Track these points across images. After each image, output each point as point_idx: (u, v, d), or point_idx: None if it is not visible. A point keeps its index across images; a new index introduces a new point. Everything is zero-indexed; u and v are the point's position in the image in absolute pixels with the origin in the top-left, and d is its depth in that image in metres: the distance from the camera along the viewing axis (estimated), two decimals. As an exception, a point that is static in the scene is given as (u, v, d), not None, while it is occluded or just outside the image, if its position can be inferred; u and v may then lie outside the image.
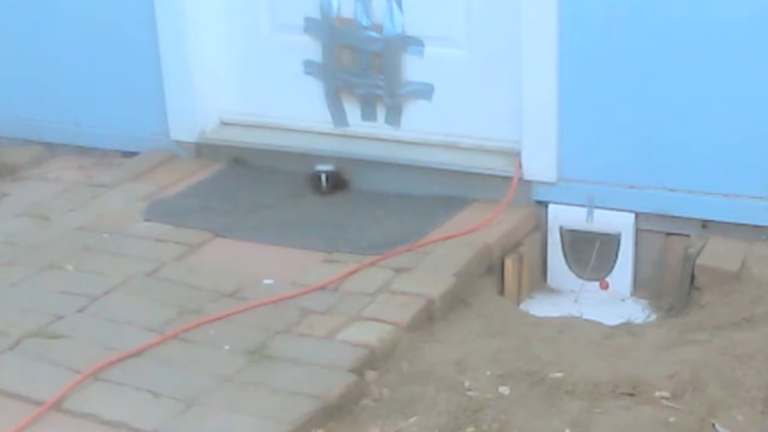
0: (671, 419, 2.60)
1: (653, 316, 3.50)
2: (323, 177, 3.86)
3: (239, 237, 3.59)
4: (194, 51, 4.14)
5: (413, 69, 3.90)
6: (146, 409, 2.65)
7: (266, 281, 3.28)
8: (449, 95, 3.88)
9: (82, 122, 4.44)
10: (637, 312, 3.53)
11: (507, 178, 3.66)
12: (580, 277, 3.69)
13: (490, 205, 3.62)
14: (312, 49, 4.04)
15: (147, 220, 3.75)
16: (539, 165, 3.64)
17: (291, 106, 4.13)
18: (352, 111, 4.04)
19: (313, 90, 4.08)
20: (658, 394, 2.70)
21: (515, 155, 3.70)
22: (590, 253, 3.65)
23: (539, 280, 3.75)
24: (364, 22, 3.92)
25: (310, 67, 4.07)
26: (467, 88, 3.84)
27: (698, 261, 3.33)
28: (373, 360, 2.86)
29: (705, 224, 3.48)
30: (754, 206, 3.40)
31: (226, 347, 2.92)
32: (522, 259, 3.60)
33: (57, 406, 2.67)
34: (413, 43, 3.87)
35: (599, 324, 3.26)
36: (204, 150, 4.23)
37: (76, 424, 2.62)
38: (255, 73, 4.20)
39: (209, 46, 4.18)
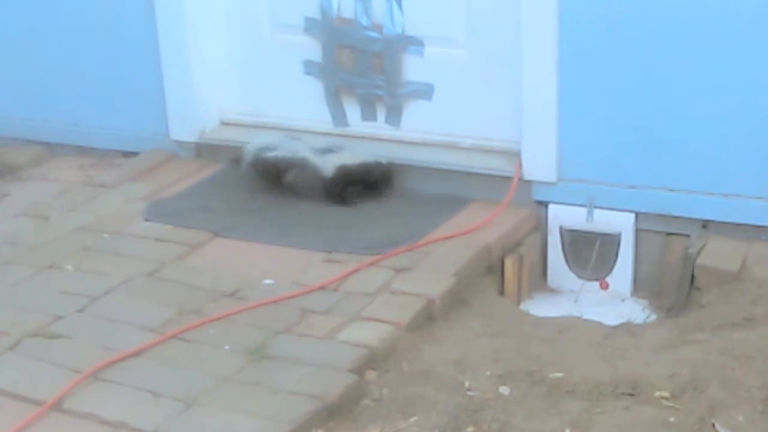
0: (671, 419, 2.60)
1: (653, 316, 3.50)
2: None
3: (239, 237, 3.59)
4: (194, 51, 4.14)
5: (413, 69, 3.90)
6: (146, 409, 2.65)
7: (266, 281, 3.28)
8: (449, 95, 3.88)
9: (82, 122, 4.44)
10: (637, 312, 3.53)
11: (507, 178, 3.66)
12: (580, 277, 3.69)
13: (490, 205, 3.62)
14: (312, 49, 4.04)
15: (147, 220, 3.74)
16: (539, 165, 3.64)
17: (291, 106, 4.13)
18: (352, 111, 4.04)
19: (313, 90, 4.08)
20: (658, 394, 2.70)
21: (515, 155, 3.70)
22: (590, 253, 3.65)
23: (539, 280, 3.75)
24: (364, 22, 3.92)
25: (310, 67, 4.07)
26: (467, 88, 3.84)
27: (698, 261, 3.33)
28: (373, 360, 2.86)
29: (705, 224, 3.48)
30: (754, 206, 3.40)
31: (226, 347, 2.92)
32: (522, 259, 3.60)
33: (57, 406, 2.67)
34: (413, 43, 3.87)
35: (599, 324, 3.26)
36: (204, 150, 4.23)
37: (76, 424, 2.62)
38: (255, 73, 4.20)
39: (209, 46, 4.18)
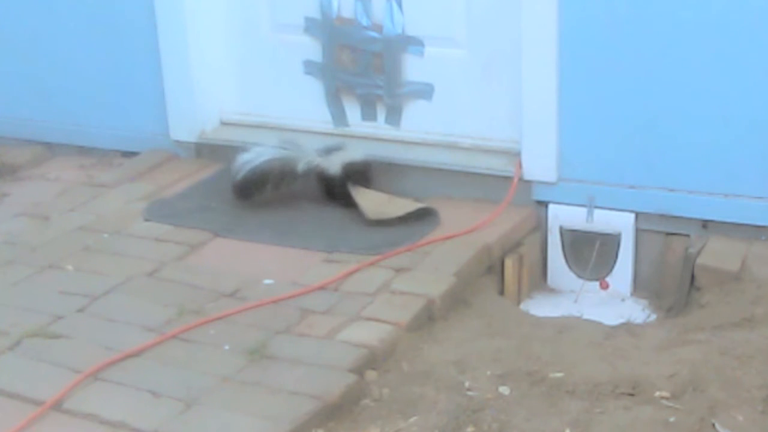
0: (671, 419, 2.60)
1: (653, 316, 3.50)
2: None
3: (239, 237, 3.59)
4: (194, 51, 4.14)
5: (413, 69, 3.90)
6: (146, 409, 2.65)
7: (266, 281, 3.28)
8: (449, 95, 3.88)
9: (82, 122, 4.44)
10: (637, 312, 3.53)
11: (507, 178, 3.66)
12: (580, 277, 3.69)
13: (490, 205, 3.62)
14: (312, 49, 4.04)
15: (147, 220, 3.75)
16: (539, 165, 3.64)
17: (291, 106, 4.13)
18: (352, 111, 4.04)
19: (313, 90, 4.08)
20: (658, 394, 2.70)
21: (515, 155, 3.70)
22: (590, 253, 3.65)
23: (539, 280, 3.75)
24: (364, 22, 3.92)
25: (310, 67, 4.07)
26: (467, 88, 3.84)
27: (698, 261, 3.33)
28: (373, 360, 2.86)
29: (705, 224, 3.48)
30: (754, 206, 3.40)
31: (226, 347, 2.92)
32: (522, 259, 3.60)
33: (57, 406, 2.67)
34: (413, 43, 3.87)
35: (599, 324, 3.26)
36: (204, 150, 4.23)
37: (76, 424, 2.62)
38: (255, 73, 4.20)
39: (209, 46, 4.18)
